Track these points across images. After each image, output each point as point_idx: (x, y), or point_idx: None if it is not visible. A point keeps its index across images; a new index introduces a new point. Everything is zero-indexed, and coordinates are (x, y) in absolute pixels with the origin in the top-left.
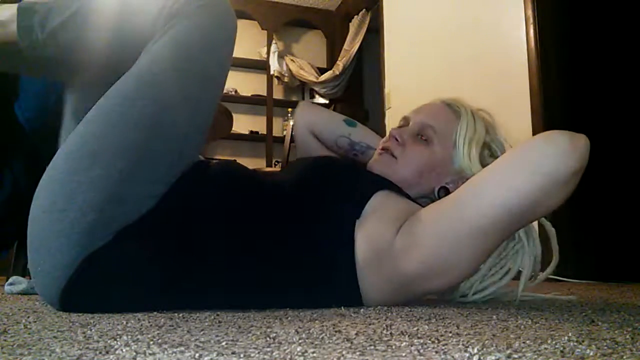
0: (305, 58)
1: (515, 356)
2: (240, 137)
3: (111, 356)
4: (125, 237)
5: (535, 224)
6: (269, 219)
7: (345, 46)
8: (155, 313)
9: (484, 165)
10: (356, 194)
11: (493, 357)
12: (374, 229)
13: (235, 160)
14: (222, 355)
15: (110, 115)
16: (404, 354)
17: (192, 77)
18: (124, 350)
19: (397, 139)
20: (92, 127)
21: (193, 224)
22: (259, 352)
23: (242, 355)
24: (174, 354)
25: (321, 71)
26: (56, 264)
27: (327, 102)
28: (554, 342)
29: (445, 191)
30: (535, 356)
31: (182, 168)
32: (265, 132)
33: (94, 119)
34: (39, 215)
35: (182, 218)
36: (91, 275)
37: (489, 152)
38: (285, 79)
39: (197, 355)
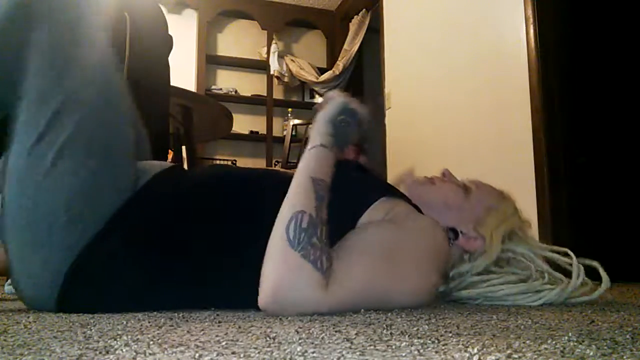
0: (305, 58)
1: (515, 356)
2: (240, 137)
3: (111, 356)
4: (107, 237)
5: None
6: (251, 219)
7: (345, 46)
8: (155, 313)
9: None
10: (354, 202)
11: (493, 357)
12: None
13: (232, 164)
14: (222, 355)
15: None
16: (404, 354)
17: (73, 70)
18: (124, 350)
19: (443, 175)
20: None
21: (175, 224)
22: (259, 352)
23: (242, 355)
24: (174, 354)
25: (321, 71)
26: (44, 276)
27: None
28: (554, 342)
29: (454, 234)
30: (535, 356)
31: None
32: (265, 132)
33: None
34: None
35: (163, 217)
36: (84, 276)
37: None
38: (285, 79)
39: (197, 355)
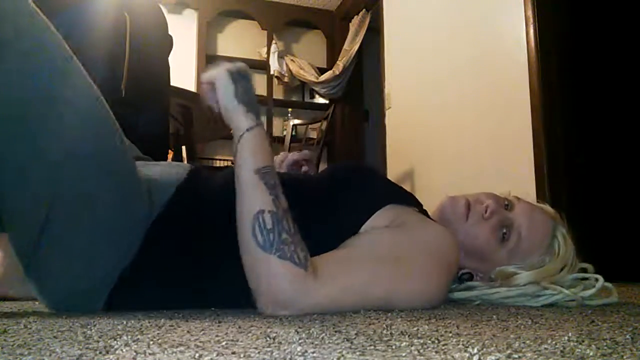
0: (305, 58)
1: (515, 356)
2: None
3: (111, 356)
4: (151, 242)
5: None
6: None
7: (345, 46)
8: (155, 313)
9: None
10: (362, 205)
11: (493, 357)
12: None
13: None
14: (222, 355)
15: None
16: (404, 354)
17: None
18: (124, 350)
19: (485, 212)
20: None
21: (204, 242)
22: (259, 352)
23: (242, 355)
24: (174, 354)
25: (321, 71)
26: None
27: (327, 102)
28: (554, 342)
29: (469, 278)
30: (535, 356)
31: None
32: None
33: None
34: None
35: (190, 238)
36: (133, 283)
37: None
38: (285, 79)
39: (197, 355)
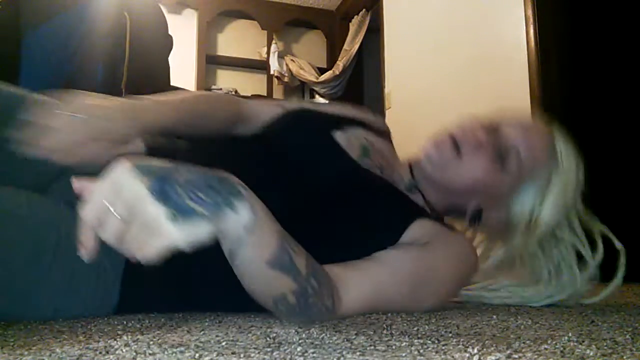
0: (305, 58)
1: (515, 356)
2: None
3: (111, 356)
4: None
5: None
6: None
7: (345, 46)
8: (155, 313)
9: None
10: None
11: (493, 357)
12: None
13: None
14: (222, 355)
15: None
16: (404, 354)
17: None
18: (124, 350)
19: (474, 137)
20: None
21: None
22: (259, 352)
23: (242, 355)
24: (174, 354)
25: (321, 71)
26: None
27: (327, 102)
28: (554, 342)
29: (478, 216)
30: (535, 356)
31: None
32: None
33: None
34: None
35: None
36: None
37: (554, 240)
38: (285, 79)
39: (197, 355)
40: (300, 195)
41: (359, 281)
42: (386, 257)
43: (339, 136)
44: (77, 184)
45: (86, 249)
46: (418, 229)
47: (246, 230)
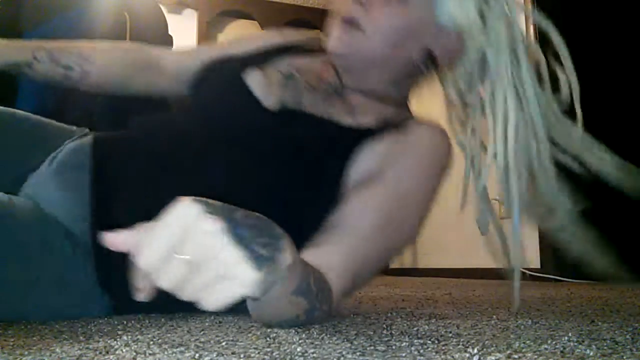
0: None
1: (515, 356)
2: None
3: (111, 356)
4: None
5: None
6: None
7: None
8: (155, 313)
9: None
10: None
11: (493, 357)
12: None
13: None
14: (222, 355)
15: None
16: (404, 354)
17: None
18: (124, 350)
19: (360, 2)
20: None
21: None
22: (259, 352)
23: (242, 356)
24: (174, 354)
25: None
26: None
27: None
28: (554, 342)
29: (429, 56)
30: (535, 356)
31: None
32: None
33: None
34: None
35: None
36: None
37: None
38: None
39: (197, 355)
40: (237, 166)
41: (340, 264)
42: (350, 219)
43: (254, 77)
44: (111, 238)
45: (145, 293)
46: (365, 159)
47: (288, 269)
